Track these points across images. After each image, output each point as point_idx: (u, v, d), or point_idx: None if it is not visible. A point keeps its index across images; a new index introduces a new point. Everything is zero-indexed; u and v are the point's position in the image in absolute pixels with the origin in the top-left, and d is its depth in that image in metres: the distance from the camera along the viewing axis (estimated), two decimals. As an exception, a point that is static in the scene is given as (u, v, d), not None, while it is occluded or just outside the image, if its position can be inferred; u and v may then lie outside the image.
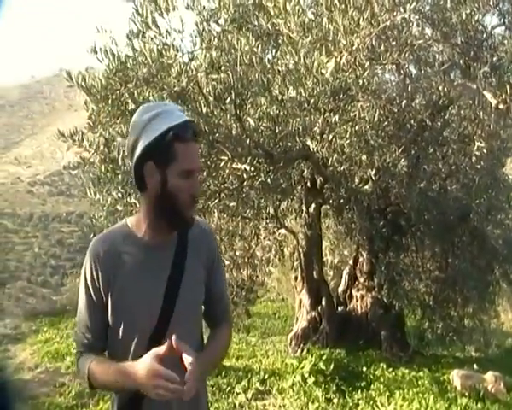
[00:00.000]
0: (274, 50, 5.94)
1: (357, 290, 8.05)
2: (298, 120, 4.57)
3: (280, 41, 5.51)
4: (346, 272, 8.33)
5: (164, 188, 1.88)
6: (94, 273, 1.94)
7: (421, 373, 6.55)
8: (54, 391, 6.19)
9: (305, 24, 4.92)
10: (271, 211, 5.91)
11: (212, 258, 2.09)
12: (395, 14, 4.75)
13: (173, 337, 1.77)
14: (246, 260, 6.49)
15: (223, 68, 4.25)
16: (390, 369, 6.66)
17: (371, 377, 6.44)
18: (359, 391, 6.02)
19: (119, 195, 4.77)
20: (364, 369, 6.64)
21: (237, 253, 6.53)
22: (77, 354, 2.03)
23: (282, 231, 6.93)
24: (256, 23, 5.35)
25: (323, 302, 7.48)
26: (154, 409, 1.78)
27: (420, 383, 6.23)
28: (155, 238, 1.97)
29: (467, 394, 5.91)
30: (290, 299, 12.11)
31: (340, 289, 8.29)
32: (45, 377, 6.71)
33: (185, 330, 1.93)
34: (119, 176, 4.74)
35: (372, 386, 6.16)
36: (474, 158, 5.87)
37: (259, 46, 4.57)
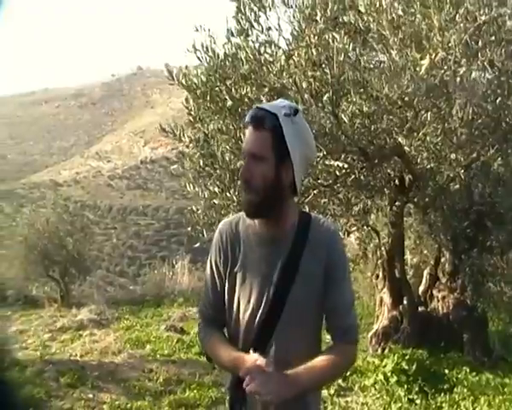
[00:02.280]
0: (361, 48, 5.93)
1: (439, 291, 7.88)
2: (391, 117, 4.56)
3: (368, 38, 5.49)
4: (426, 271, 8.17)
5: None
6: (216, 253, 2.06)
7: (506, 380, 6.33)
8: (143, 376, 6.49)
9: (394, 20, 4.88)
10: (360, 208, 5.89)
11: (332, 263, 1.98)
12: (492, 9, 4.63)
13: (253, 355, 1.85)
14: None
15: (323, 66, 4.31)
16: (473, 373, 6.48)
17: (454, 380, 6.29)
18: (442, 394, 5.90)
19: (216, 189, 4.91)
20: (447, 371, 6.49)
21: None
22: (200, 323, 2.19)
23: (366, 228, 6.90)
24: (345, 20, 5.35)
25: (405, 302, 7.38)
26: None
27: (506, 390, 6.02)
28: (269, 229, 1.99)
29: (556, 405, 5.67)
30: (366, 298, 11.99)
31: (421, 288, 8.14)
32: (134, 362, 7.04)
33: (295, 329, 1.95)
34: (218, 171, 4.87)
35: (455, 389, 6.02)
36: None
37: (351, 43, 4.59)
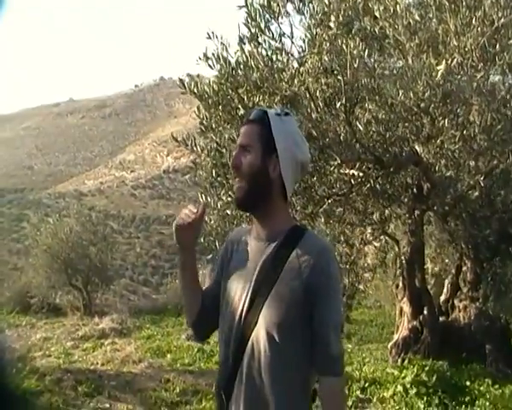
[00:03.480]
0: (377, 53, 5.87)
1: (460, 301, 7.75)
2: (407, 124, 4.48)
3: (385, 44, 5.43)
4: (448, 281, 8.05)
5: None
6: (221, 254, 2.16)
7: (531, 393, 6.16)
8: (159, 386, 6.48)
9: (410, 26, 4.82)
10: (377, 217, 5.79)
11: (315, 282, 1.85)
12: (510, 11, 4.54)
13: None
14: (348, 266, 6.38)
15: (335, 72, 4.26)
16: (496, 386, 6.30)
17: (476, 392, 6.13)
18: (463, 406, 5.76)
19: (229, 200, 4.88)
20: (468, 383, 6.32)
21: (342, 258, 6.38)
22: None
23: (384, 237, 6.82)
24: (361, 26, 5.30)
25: (425, 311, 7.26)
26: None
27: (531, 404, 5.86)
28: (261, 228, 2.00)
29: None
30: (388, 306, 11.87)
31: (442, 298, 8.01)
32: (151, 372, 7.05)
33: (270, 342, 1.86)
34: (230, 181, 4.81)
35: (477, 402, 5.86)
36: None
37: (366, 50, 4.53)
